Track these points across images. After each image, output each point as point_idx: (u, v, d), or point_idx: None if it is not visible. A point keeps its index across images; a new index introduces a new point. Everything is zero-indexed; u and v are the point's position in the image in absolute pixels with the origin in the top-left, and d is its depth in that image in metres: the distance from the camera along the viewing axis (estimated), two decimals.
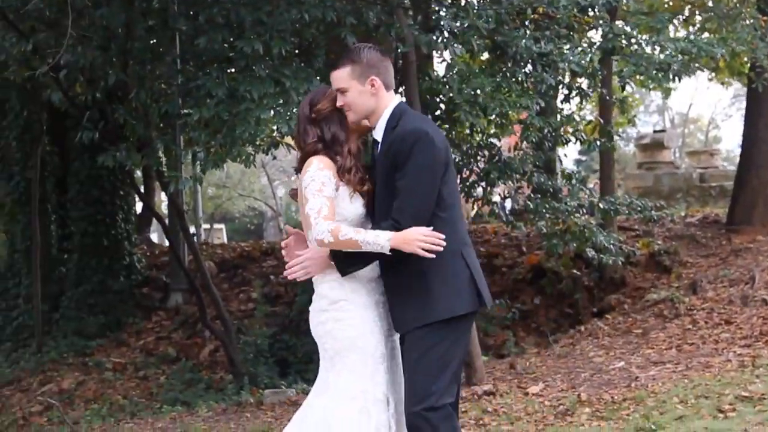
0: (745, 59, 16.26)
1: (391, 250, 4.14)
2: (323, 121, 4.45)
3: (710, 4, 15.30)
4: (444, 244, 4.09)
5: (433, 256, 4.07)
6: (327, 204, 4.24)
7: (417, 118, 4.34)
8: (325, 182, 4.28)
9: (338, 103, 4.38)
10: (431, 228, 4.11)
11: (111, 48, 9.39)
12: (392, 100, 4.38)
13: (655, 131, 30.20)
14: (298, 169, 4.46)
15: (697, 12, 14.92)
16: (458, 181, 10.68)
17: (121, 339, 15.14)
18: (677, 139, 45.68)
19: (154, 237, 25.49)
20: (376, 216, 4.33)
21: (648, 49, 10.36)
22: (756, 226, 13.21)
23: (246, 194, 39.79)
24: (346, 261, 4.20)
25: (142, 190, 18.32)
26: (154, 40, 9.64)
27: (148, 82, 9.49)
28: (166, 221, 14.40)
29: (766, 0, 12.62)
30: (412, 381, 4.25)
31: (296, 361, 13.26)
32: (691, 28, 15.03)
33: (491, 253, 14.85)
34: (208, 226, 34.34)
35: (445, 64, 10.96)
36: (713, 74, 18.50)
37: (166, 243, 16.57)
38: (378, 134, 4.37)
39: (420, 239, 4.09)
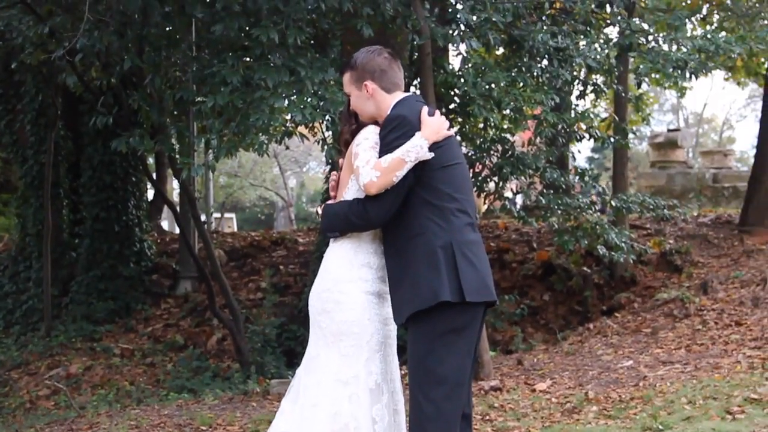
0: (762, 59, 16.22)
1: (385, 239, 4.32)
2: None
3: (729, 2, 15.23)
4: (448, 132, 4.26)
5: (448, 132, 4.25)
6: (375, 157, 4.28)
7: (402, 105, 4.36)
8: (378, 142, 4.33)
9: (350, 108, 4.53)
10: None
11: (127, 33, 9.36)
12: (393, 100, 4.41)
13: (669, 130, 30.10)
14: (347, 142, 4.54)
15: (715, 11, 14.82)
16: (471, 175, 10.64)
17: (129, 325, 15.18)
18: (691, 139, 45.54)
19: (165, 224, 25.53)
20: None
21: (665, 47, 10.29)
22: None
23: (257, 184, 39.82)
24: (326, 225, 4.36)
25: (155, 177, 18.36)
26: (170, 27, 9.60)
27: (163, 68, 9.47)
28: (178, 209, 14.40)
29: None
30: (415, 374, 4.25)
31: (303, 352, 13.17)
32: (708, 27, 14.94)
33: (501, 249, 14.82)
34: (219, 214, 34.38)
35: (460, 57, 10.94)
36: (729, 74, 18.39)
37: (177, 230, 16.58)
38: None
39: (439, 123, 4.25)
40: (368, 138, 4.34)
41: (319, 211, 4.47)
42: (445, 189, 4.27)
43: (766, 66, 12.95)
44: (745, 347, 9.51)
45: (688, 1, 14.94)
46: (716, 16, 15.07)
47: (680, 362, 9.33)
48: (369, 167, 4.22)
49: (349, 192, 4.41)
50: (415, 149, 4.17)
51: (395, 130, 4.22)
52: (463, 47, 9.80)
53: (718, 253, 13.00)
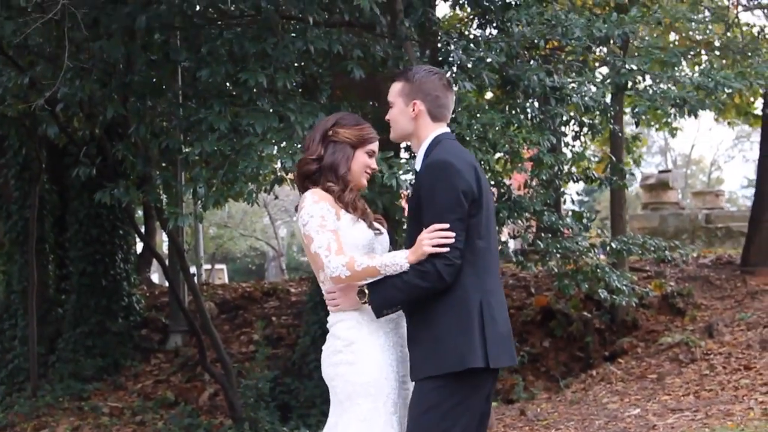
0: (752, 99, 16.09)
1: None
2: (334, 144, 4.23)
3: (717, 43, 15.12)
4: (452, 237, 3.84)
5: (445, 249, 3.82)
6: (333, 238, 3.99)
7: (447, 149, 4.05)
8: (324, 215, 4.03)
9: (386, 117, 4.25)
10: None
11: (110, 82, 9.11)
12: (435, 130, 4.13)
13: (660, 171, 30.08)
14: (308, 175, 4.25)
15: (703, 51, 14.74)
16: None
17: (118, 382, 14.76)
18: (682, 180, 45.54)
19: (155, 277, 25.16)
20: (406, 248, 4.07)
21: (662, 85, 10.08)
22: None
23: (248, 234, 39.55)
24: (381, 301, 3.95)
25: (143, 229, 18.03)
26: (155, 74, 9.35)
27: (148, 116, 9.20)
28: (167, 261, 14.08)
29: None
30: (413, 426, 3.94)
31: (298, 406, 12.90)
32: (696, 68, 14.84)
33: None
34: (209, 266, 34.06)
35: None
36: (718, 115, 18.26)
37: (167, 283, 16.26)
38: (417, 165, 4.15)
39: (426, 238, 3.86)
40: (312, 215, 4.03)
41: (366, 291, 4.02)
42: (480, 243, 3.97)
43: (760, 106, 12.73)
44: (756, 392, 9.19)
45: (676, 43, 14.84)
46: (704, 56, 14.97)
47: (690, 409, 9.01)
48: (338, 261, 3.93)
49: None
50: (394, 267, 3.90)
51: (441, 181, 3.90)
52: (455, 89, 9.51)
53: (721, 294, 12.69)
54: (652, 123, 18.14)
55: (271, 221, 39.13)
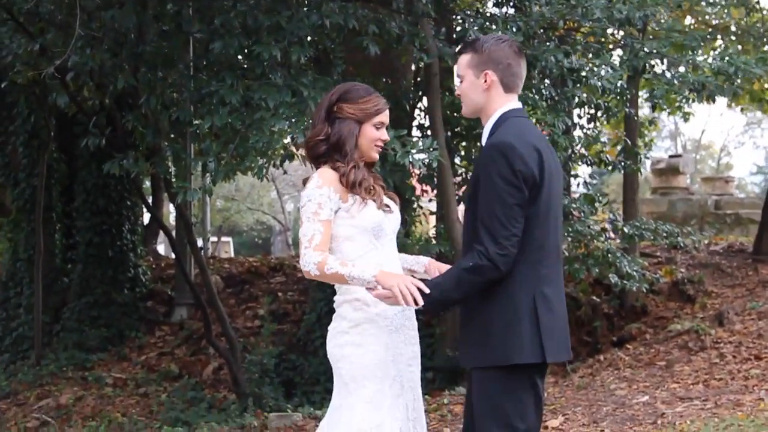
0: (766, 86, 15.90)
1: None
2: (339, 121, 4.07)
3: (733, 28, 14.93)
4: (420, 304, 3.70)
5: (397, 306, 3.73)
6: (321, 230, 3.88)
7: (511, 129, 3.84)
8: (322, 203, 3.91)
9: (456, 92, 4.04)
10: None
11: (121, 52, 9.00)
12: (506, 103, 3.92)
13: (670, 156, 29.89)
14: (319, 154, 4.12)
15: (719, 36, 14.57)
16: None
17: (122, 353, 14.72)
18: (692, 165, 45.29)
19: (161, 248, 25.12)
20: (462, 237, 3.95)
21: (681, 69, 9.93)
22: None
23: (255, 208, 39.47)
24: (436, 305, 3.79)
25: (151, 200, 17.95)
26: (167, 45, 9.22)
27: (159, 88, 9.08)
28: (174, 233, 14.01)
29: None
30: (479, 422, 3.83)
31: (302, 383, 12.84)
32: (712, 53, 14.69)
33: None
34: (215, 239, 34.01)
35: None
36: (732, 100, 18.07)
37: (173, 255, 16.20)
38: (484, 140, 3.95)
39: (401, 282, 3.71)
40: (311, 200, 3.91)
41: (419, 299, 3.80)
42: (537, 233, 3.78)
43: None
44: (766, 383, 9.07)
45: (693, 27, 14.66)
46: (719, 42, 14.80)
47: (699, 398, 8.89)
48: (312, 258, 3.83)
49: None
50: (361, 281, 3.78)
51: (499, 164, 3.69)
52: None
53: (732, 282, 12.55)
54: (665, 107, 17.97)
55: (279, 195, 39.04)
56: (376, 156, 4.17)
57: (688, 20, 15.16)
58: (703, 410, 8.40)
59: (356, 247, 4.00)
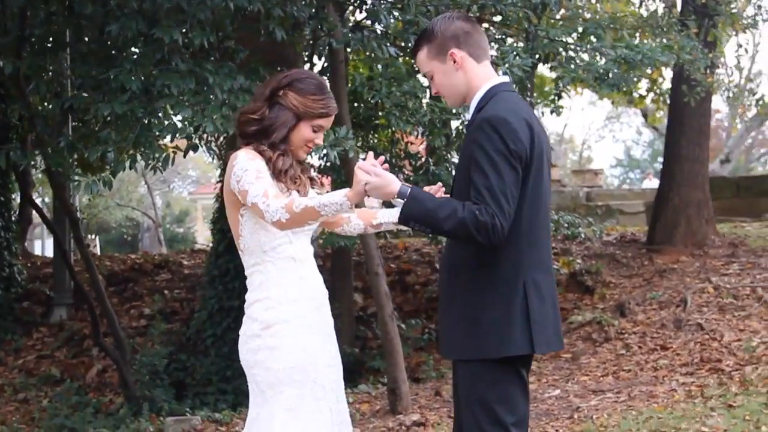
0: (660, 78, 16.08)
1: (447, 251, 3.66)
2: (279, 107, 3.79)
3: (645, 14, 14.98)
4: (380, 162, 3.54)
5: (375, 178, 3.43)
6: (271, 184, 3.61)
7: (501, 103, 3.55)
8: (260, 169, 3.65)
9: (434, 91, 3.77)
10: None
11: (5, 35, 8.33)
12: (487, 79, 3.65)
13: None
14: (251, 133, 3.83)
15: (619, 26, 14.66)
16: None
17: None
18: (563, 158, 46.33)
19: (32, 247, 24.06)
20: None
21: (586, 57, 9.84)
22: (678, 247, 12.80)
23: (124, 204, 38.31)
24: (415, 214, 3.47)
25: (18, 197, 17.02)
26: (56, 28, 8.58)
27: (49, 74, 8.44)
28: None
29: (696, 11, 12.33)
30: (466, 415, 3.61)
31: (194, 384, 12.31)
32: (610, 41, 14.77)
33: (403, 270, 14.15)
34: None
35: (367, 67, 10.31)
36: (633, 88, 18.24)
37: (47, 254, 15.42)
38: (470, 114, 3.68)
39: (358, 173, 3.47)
40: (248, 169, 3.63)
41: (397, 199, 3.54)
42: (527, 212, 3.52)
43: (678, 78, 12.58)
44: (676, 373, 9.07)
45: (597, 16, 14.66)
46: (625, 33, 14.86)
47: (611, 391, 8.83)
48: (276, 204, 3.52)
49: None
50: (334, 206, 3.49)
51: (494, 140, 3.42)
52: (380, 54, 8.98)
53: (629, 272, 12.60)
54: (539, 100, 18.11)
55: (149, 190, 38.01)
56: (304, 156, 3.92)
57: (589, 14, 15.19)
58: (617, 403, 8.33)
59: (271, 237, 3.73)
